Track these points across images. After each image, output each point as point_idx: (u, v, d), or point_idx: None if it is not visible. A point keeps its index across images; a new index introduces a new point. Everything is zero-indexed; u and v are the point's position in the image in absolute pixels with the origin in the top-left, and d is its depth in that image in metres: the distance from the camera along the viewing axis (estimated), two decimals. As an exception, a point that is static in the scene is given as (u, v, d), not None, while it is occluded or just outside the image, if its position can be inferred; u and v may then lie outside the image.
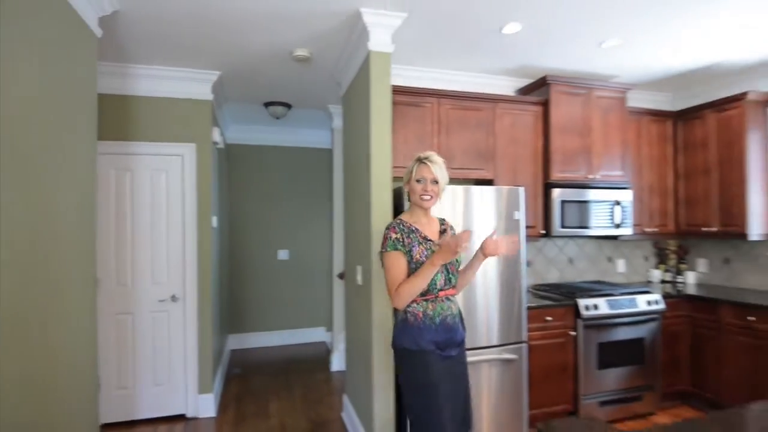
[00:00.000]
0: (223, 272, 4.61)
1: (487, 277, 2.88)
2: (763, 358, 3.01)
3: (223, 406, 3.77)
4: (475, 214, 2.87)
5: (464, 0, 2.50)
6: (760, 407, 1.27)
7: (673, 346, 3.54)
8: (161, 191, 3.43)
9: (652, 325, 3.41)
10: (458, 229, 2.65)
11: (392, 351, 2.06)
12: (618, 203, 3.59)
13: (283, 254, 5.48)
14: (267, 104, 4.27)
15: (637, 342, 3.37)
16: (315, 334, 5.61)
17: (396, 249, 1.91)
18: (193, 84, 3.45)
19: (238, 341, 5.41)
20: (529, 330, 3.07)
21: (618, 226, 3.60)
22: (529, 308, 3.09)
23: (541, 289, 3.66)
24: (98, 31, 2.41)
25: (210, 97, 3.53)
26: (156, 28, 2.74)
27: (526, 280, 3.01)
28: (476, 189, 2.89)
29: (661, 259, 4.26)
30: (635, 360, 3.37)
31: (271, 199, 5.50)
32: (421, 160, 2.02)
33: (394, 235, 1.94)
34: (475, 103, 3.37)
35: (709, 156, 3.71)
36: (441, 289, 1.94)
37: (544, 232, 3.50)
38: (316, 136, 5.50)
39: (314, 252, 5.61)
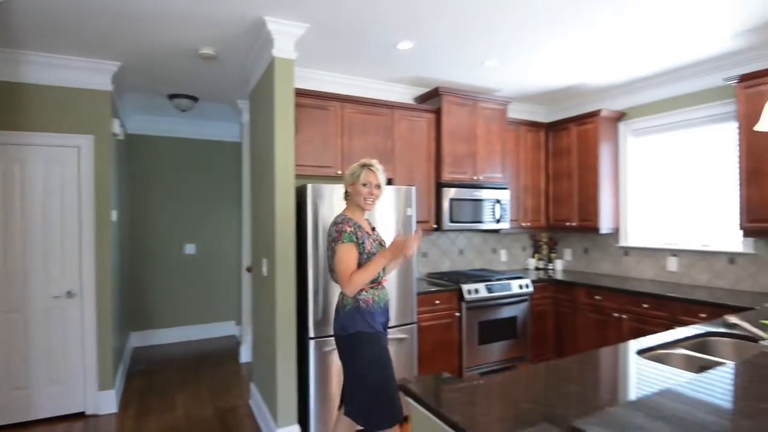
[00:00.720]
0: (124, 267, 4.48)
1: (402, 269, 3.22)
2: (607, 330, 3.70)
3: (125, 402, 3.73)
4: (375, 210, 3.18)
5: (363, 17, 2.78)
6: (606, 351, 1.76)
7: (541, 322, 4.18)
8: (55, 184, 3.31)
9: (523, 306, 4.00)
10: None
11: (335, 338, 2.24)
12: (498, 201, 4.14)
13: (190, 248, 5.42)
14: (171, 96, 4.23)
15: (511, 320, 3.94)
16: (225, 328, 5.63)
17: (351, 241, 2.14)
18: (92, 74, 3.36)
19: (144, 338, 5.27)
20: (420, 313, 3.47)
21: (498, 221, 4.15)
22: (420, 294, 3.49)
23: (434, 277, 4.10)
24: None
25: (110, 87, 3.46)
26: (52, 17, 2.67)
27: (416, 270, 3.39)
28: (397, 189, 3.20)
29: (536, 249, 4.95)
30: (510, 335, 3.93)
31: (178, 193, 5.40)
32: (367, 167, 2.26)
33: (348, 229, 2.16)
34: (376, 109, 3.68)
35: (571, 162, 4.39)
36: (382, 278, 2.24)
37: (435, 226, 3.93)
38: (225, 129, 5.49)
39: (223, 246, 5.62)
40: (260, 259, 3.28)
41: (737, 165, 3.19)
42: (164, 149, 5.35)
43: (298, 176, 3.42)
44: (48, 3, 2.49)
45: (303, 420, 2.96)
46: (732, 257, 3.50)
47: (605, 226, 4.18)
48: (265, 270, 3.11)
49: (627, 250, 4.27)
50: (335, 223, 2.22)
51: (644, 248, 4.11)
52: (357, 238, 2.16)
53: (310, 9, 2.64)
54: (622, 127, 4.26)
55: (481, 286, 3.77)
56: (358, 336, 2.14)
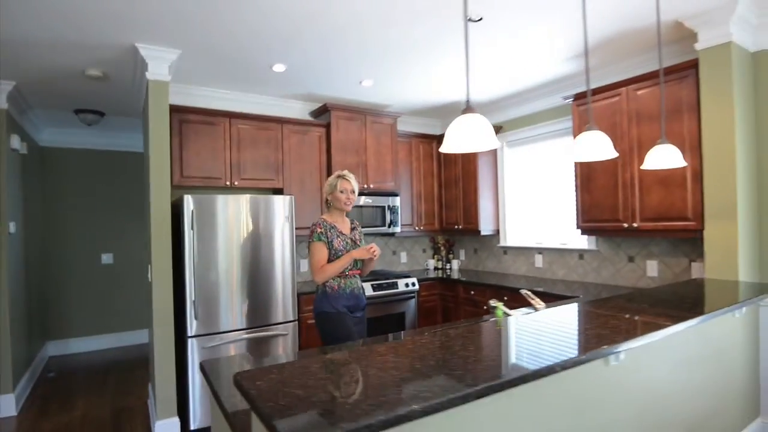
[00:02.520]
0: (31, 277, 4.60)
1: (267, 267, 3.52)
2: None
3: (26, 406, 3.87)
4: (262, 218, 3.49)
5: (234, 43, 3.08)
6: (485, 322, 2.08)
7: (431, 317, 4.57)
8: (-54, 198, 3.46)
9: (411, 302, 4.37)
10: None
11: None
12: (389, 207, 4.52)
13: (107, 258, 5.56)
14: (77, 111, 4.42)
15: (400, 316, 4.30)
16: (142, 336, 5.75)
17: (320, 240, 2.57)
18: (-19, 93, 3.53)
19: (62, 347, 5.36)
20: (303, 311, 3.78)
21: (390, 225, 4.52)
22: (308, 293, 3.81)
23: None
24: None
25: (5, 105, 3.64)
26: (-73, 44, 2.86)
27: (294, 272, 3.72)
28: (260, 198, 3.52)
29: (435, 250, 5.36)
30: (399, 329, 4.29)
31: (94, 203, 5.53)
32: (341, 177, 2.69)
33: (319, 230, 2.59)
34: (265, 124, 3.99)
35: (457, 171, 4.82)
36: (350, 270, 2.65)
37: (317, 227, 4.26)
38: (137, 140, 5.65)
39: (140, 255, 5.77)
40: (147, 265, 3.52)
41: (574, 174, 3.67)
42: (79, 161, 5.48)
43: (186, 187, 3.70)
44: None
45: (183, 412, 3.21)
46: (581, 254, 3.99)
47: (485, 228, 4.62)
48: (150, 275, 3.35)
49: (506, 250, 4.73)
50: (312, 224, 2.67)
51: (518, 247, 4.57)
52: (326, 237, 2.59)
53: (181, 36, 2.93)
54: (500, 138, 4.73)
55: (367, 285, 4.12)
56: (323, 315, 2.60)
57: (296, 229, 4.02)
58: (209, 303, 3.27)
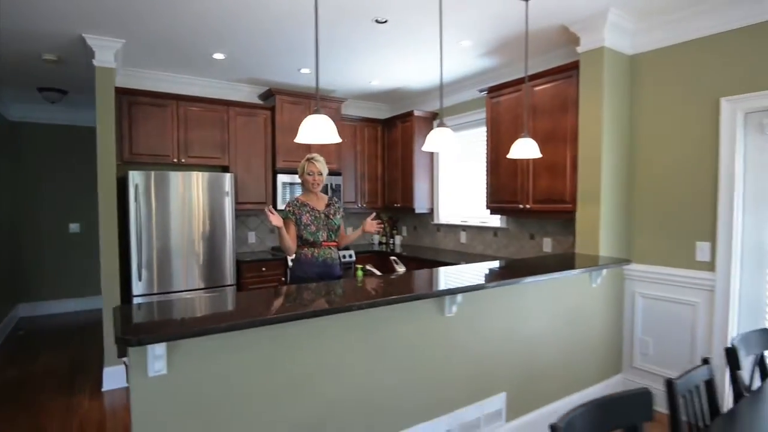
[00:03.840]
0: (1, 244, 4.98)
1: (207, 237, 3.94)
2: (404, 290, 4.60)
3: (-7, 358, 4.32)
4: (202, 192, 3.89)
5: (175, 33, 3.40)
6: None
7: (368, 287, 5.04)
8: None
9: (349, 271, 4.83)
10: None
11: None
12: (332, 186, 4.93)
13: (74, 227, 5.94)
14: (41, 90, 4.73)
15: (337, 279, 4.76)
16: (112, 299, 6.19)
17: (287, 218, 2.90)
18: (-55, 73, 3.85)
19: (33, 308, 5.78)
20: (248, 278, 4.23)
21: (332, 202, 4.94)
22: (248, 262, 4.25)
23: (276, 250, 4.86)
24: None
25: (-34, 84, 3.96)
26: None
27: (234, 246, 4.15)
28: (200, 174, 3.92)
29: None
30: (334, 297, 4.76)
31: (61, 175, 5.88)
32: (309, 160, 2.96)
33: (287, 209, 2.93)
34: (212, 106, 4.36)
35: (397, 153, 5.23)
36: (324, 241, 2.95)
37: (272, 206, 4.67)
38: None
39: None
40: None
41: (485, 159, 4.09)
42: (47, 135, 5.80)
43: (135, 164, 4.08)
44: None
45: (130, 361, 3.67)
46: (495, 231, 4.45)
47: (419, 206, 5.06)
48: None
49: (439, 227, 5.18)
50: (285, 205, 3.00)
51: (449, 224, 5.03)
52: (294, 215, 2.92)
53: (124, 27, 3.25)
54: (436, 124, 5.12)
55: (305, 255, 4.55)
56: (295, 278, 2.92)
57: (240, 203, 4.47)
58: (152, 267, 3.70)
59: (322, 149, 4.91)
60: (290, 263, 3.11)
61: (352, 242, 3.31)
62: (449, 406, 2.35)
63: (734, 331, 2.83)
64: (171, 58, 3.90)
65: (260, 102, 4.84)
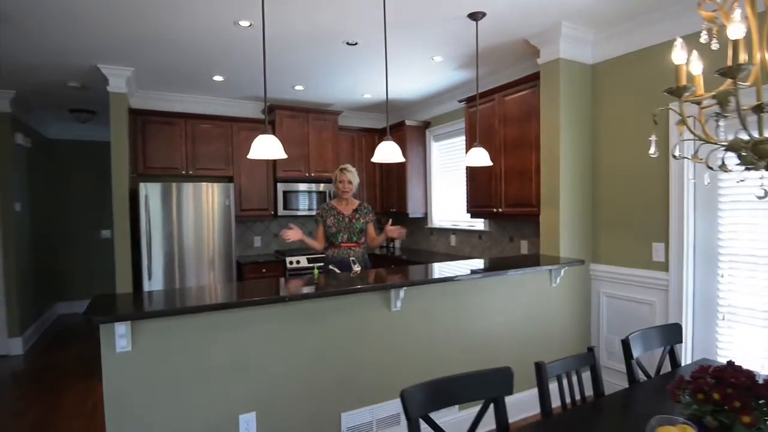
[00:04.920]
0: (38, 248, 5.62)
1: (210, 240, 4.36)
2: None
3: (31, 347, 4.90)
4: (205, 201, 4.32)
5: (177, 60, 3.83)
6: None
7: (365, 288, 5.32)
8: (-35, 183, 4.43)
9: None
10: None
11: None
12: (330, 192, 5.26)
13: (105, 233, 6.56)
14: (71, 111, 5.33)
15: (334, 285, 5.08)
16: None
17: (316, 220, 3.45)
18: (-9, 100, 4.46)
19: (70, 307, 6.43)
20: (247, 277, 4.61)
21: (330, 208, 5.27)
22: (249, 264, 4.64)
23: (278, 253, 5.24)
24: None
25: (8, 109, 4.56)
26: (-57, 67, 3.76)
27: (234, 249, 4.55)
28: (204, 185, 4.35)
29: (380, 231, 6.07)
30: (332, 297, 5.07)
31: (94, 186, 6.52)
32: (341, 170, 3.45)
33: (318, 212, 3.48)
34: (217, 122, 4.79)
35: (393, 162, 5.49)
36: (343, 242, 3.38)
37: (273, 213, 5.06)
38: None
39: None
40: (117, 237, 4.41)
41: (465, 167, 4.30)
42: (81, 151, 6.45)
43: (148, 176, 4.55)
44: (-64, 59, 3.58)
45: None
46: (480, 234, 4.64)
47: (413, 211, 5.31)
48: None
49: (432, 231, 5.41)
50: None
51: (440, 228, 5.25)
52: (322, 217, 3.42)
53: (130, 57, 3.72)
54: (428, 133, 5.37)
55: (302, 257, 4.91)
56: (321, 269, 3.29)
57: (244, 210, 4.87)
58: (159, 268, 4.15)
59: (319, 159, 5.26)
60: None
61: (379, 244, 3.69)
62: (393, 394, 2.59)
63: (689, 326, 2.92)
64: (176, 81, 4.36)
65: (263, 116, 5.23)
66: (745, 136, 1.21)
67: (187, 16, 2.95)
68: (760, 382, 1.20)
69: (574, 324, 3.38)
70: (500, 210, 3.87)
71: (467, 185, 4.28)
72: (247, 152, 4.96)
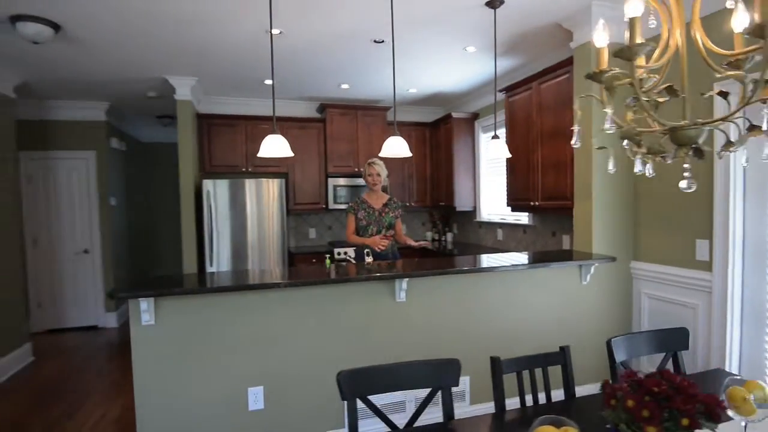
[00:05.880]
0: (135, 239, 6.51)
1: (265, 231, 4.76)
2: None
3: (125, 322, 5.72)
4: (259, 195, 4.73)
5: (232, 69, 4.23)
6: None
7: (413, 280, 5.41)
8: (74, 181, 5.30)
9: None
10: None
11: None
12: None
13: (190, 224, 7.37)
14: (157, 117, 6.08)
15: (381, 277, 5.24)
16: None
17: (348, 212, 3.58)
18: (91, 111, 5.26)
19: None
20: (297, 265, 4.94)
21: (379, 201, 5.42)
22: (295, 254, 4.97)
23: (332, 245, 5.52)
24: (12, 94, 4.22)
25: (104, 118, 5.35)
26: (59, 84, 4.54)
27: (286, 239, 4.89)
28: (260, 180, 4.75)
29: (433, 224, 6.10)
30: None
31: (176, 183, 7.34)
32: (369, 164, 3.59)
33: (350, 205, 3.60)
34: (270, 123, 5.15)
35: (442, 154, 5.49)
36: (372, 235, 3.50)
37: (324, 206, 5.34)
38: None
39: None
40: (187, 228, 4.99)
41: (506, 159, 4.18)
42: (168, 151, 7.27)
43: (214, 173, 5.07)
44: (42, 75, 4.35)
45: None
46: (524, 228, 4.48)
47: (460, 204, 5.26)
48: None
49: (481, 224, 5.31)
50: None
51: (489, 222, 5.14)
52: (354, 210, 3.56)
53: (194, 68, 4.18)
54: (477, 124, 5.26)
55: (350, 249, 5.11)
56: (355, 260, 3.61)
57: (298, 204, 5.21)
58: (221, 253, 4.62)
59: (369, 154, 5.42)
60: None
61: (404, 242, 3.68)
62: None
63: (735, 337, 2.61)
64: (234, 86, 4.78)
65: (318, 115, 5.52)
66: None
67: (230, 26, 3.23)
68: (696, 393, 1.11)
69: (609, 326, 3.16)
70: (537, 203, 3.72)
71: (507, 177, 4.17)
72: (300, 149, 5.32)
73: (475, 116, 5.28)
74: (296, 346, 2.51)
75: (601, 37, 1.19)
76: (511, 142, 4.10)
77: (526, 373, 1.69)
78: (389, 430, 1.52)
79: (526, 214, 4.39)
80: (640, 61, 1.20)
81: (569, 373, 1.73)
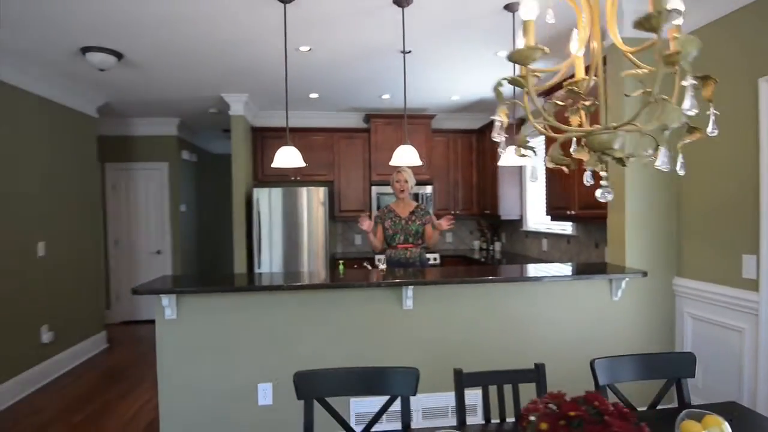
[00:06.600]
0: (204, 243, 7.12)
1: (308, 236, 4.99)
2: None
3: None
4: (312, 202, 4.98)
5: (280, 85, 4.47)
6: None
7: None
8: (150, 189, 5.95)
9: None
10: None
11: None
12: (424, 195, 5.42)
13: (253, 229, 7.89)
14: (223, 130, 6.63)
15: (423, 284, 5.23)
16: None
17: (376, 222, 3.57)
18: (164, 126, 5.89)
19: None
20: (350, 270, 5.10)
21: (422, 209, 5.43)
22: (339, 259, 5.13)
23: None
24: (95, 114, 4.87)
25: (175, 133, 5.96)
26: (135, 104, 5.17)
27: (329, 244, 5.07)
28: (306, 189, 5.01)
29: (481, 233, 5.95)
30: (420, 296, 5.23)
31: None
32: (397, 171, 3.52)
33: (377, 215, 3.64)
34: (319, 134, 5.42)
35: (488, 161, 5.36)
36: (399, 244, 3.51)
37: (368, 214, 5.46)
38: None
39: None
40: (241, 233, 5.37)
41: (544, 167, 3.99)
42: (239, 162, 7.90)
43: (266, 182, 5.41)
44: (123, 98, 4.96)
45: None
46: (568, 239, 4.23)
47: (505, 213, 5.09)
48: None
49: (527, 234, 5.09)
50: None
51: (534, 231, 4.92)
52: (381, 219, 3.58)
53: (245, 87, 4.55)
54: (523, 130, 5.06)
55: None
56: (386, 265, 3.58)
57: (343, 211, 5.40)
58: (271, 256, 4.93)
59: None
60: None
61: (436, 240, 3.62)
62: (406, 388, 2.67)
63: (788, 368, 2.28)
64: (282, 100, 5.08)
65: (364, 125, 5.68)
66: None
67: (266, 46, 3.45)
68: (618, 424, 1.03)
69: (644, 347, 2.89)
70: (573, 212, 3.52)
71: (547, 186, 3.98)
72: (346, 158, 5.51)
73: (522, 121, 5.09)
74: (302, 347, 2.62)
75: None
76: (548, 146, 3.91)
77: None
78: (345, 433, 1.56)
79: (570, 223, 4.15)
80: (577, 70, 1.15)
81: (544, 393, 1.64)
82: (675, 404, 1.76)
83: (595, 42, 1.09)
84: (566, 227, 4.33)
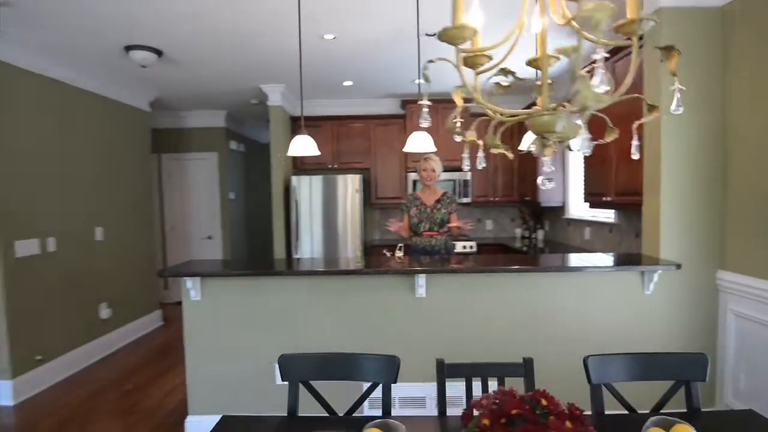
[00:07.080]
0: (252, 228, 7.45)
1: (343, 223, 5.08)
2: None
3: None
4: (339, 190, 5.07)
5: (318, 74, 4.61)
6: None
7: (493, 278, 5.20)
8: (201, 177, 6.31)
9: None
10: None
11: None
12: (460, 180, 5.32)
13: (300, 216, 8.14)
14: (267, 120, 6.85)
15: (459, 272, 5.16)
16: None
17: (402, 210, 3.66)
18: (212, 118, 6.20)
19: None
20: (373, 255, 5.16)
21: (459, 196, 5.33)
22: (372, 246, 5.18)
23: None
24: (148, 108, 5.22)
25: (223, 125, 6.25)
26: (184, 98, 5.49)
27: (363, 231, 5.12)
28: (342, 177, 5.09)
29: (523, 220, 5.73)
30: (456, 284, 5.16)
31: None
32: (424, 159, 3.57)
33: (404, 202, 3.69)
34: (355, 121, 5.45)
35: (528, 146, 5.12)
36: (424, 231, 3.52)
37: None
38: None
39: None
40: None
41: (583, 148, 3.75)
42: (286, 151, 8.16)
43: (305, 170, 5.55)
44: (173, 93, 5.27)
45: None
46: (611, 227, 3.97)
47: (545, 200, 4.86)
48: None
49: (569, 221, 4.84)
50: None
51: (577, 219, 4.66)
52: (407, 207, 3.62)
53: (280, 78, 4.68)
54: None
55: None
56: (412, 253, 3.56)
57: (379, 198, 5.43)
58: (309, 241, 5.08)
59: (447, 148, 5.34)
60: None
61: (457, 232, 3.57)
62: (414, 378, 2.65)
63: (843, 375, 2.02)
64: (318, 89, 5.17)
65: (401, 111, 5.63)
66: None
67: (295, 36, 3.56)
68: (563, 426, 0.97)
69: (680, 346, 2.67)
70: (609, 198, 3.30)
71: (585, 172, 3.76)
72: (382, 145, 5.50)
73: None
74: (316, 330, 2.70)
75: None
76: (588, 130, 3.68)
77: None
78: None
79: (613, 211, 3.89)
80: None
81: (532, 389, 1.58)
82: (684, 408, 1.62)
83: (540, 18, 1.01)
84: (609, 215, 4.07)
